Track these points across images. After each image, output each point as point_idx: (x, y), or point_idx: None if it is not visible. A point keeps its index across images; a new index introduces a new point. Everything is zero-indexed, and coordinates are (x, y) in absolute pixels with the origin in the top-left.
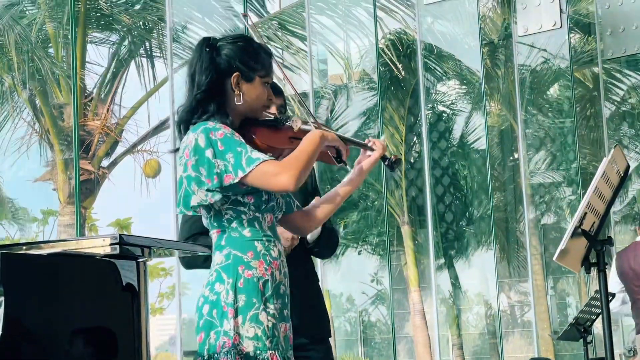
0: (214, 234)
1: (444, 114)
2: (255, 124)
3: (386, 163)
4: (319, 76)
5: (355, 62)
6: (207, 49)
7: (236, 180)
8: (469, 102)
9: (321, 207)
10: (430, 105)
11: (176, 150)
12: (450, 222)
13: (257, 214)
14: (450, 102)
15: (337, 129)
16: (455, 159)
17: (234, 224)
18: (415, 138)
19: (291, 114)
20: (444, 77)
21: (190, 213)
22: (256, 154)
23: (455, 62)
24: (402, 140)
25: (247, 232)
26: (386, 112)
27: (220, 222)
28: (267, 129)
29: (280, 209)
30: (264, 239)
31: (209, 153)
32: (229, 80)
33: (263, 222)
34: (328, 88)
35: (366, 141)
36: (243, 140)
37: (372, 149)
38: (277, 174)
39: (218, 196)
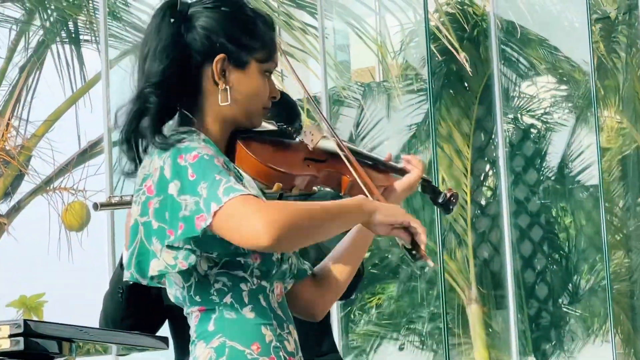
0: (193, 313)
1: (532, 130)
2: (252, 137)
3: (439, 200)
4: (336, 70)
5: (393, 47)
6: (172, 19)
7: (210, 221)
8: (571, 111)
9: (337, 268)
10: (511, 116)
11: (129, 174)
12: (543, 299)
13: (263, 283)
14: (542, 110)
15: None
16: (552, 200)
17: (228, 299)
18: (487, 167)
19: (299, 125)
20: (532, 73)
21: (144, 281)
22: (239, 185)
23: (549, 49)
24: (466, 170)
25: (249, 312)
26: (441, 125)
27: (207, 295)
28: (269, 146)
29: (292, 273)
30: (275, 322)
31: (172, 188)
32: (208, 68)
33: (271, 296)
34: (351, 89)
35: (400, 163)
36: (228, 166)
37: (404, 172)
38: (251, 215)
39: (192, 258)
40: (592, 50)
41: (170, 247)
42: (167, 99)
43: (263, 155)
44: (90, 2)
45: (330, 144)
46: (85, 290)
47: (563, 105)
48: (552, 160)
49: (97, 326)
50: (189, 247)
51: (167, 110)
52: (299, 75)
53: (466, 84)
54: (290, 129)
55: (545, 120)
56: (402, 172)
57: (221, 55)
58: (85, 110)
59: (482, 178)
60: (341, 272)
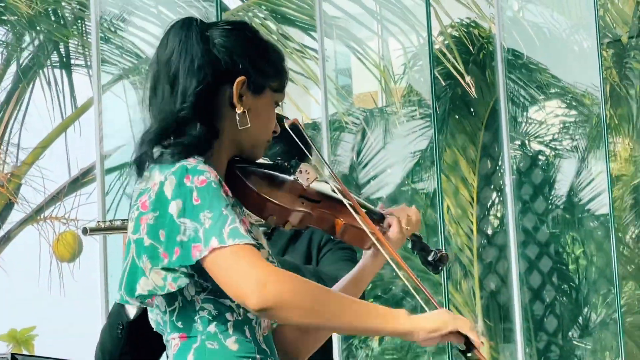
0: (173, 341)
1: (540, 157)
2: (249, 168)
3: (428, 258)
4: (337, 95)
5: (396, 71)
6: (198, 34)
7: (205, 254)
8: (582, 138)
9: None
10: (518, 143)
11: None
12: (552, 332)
13: (250, 315)
14: (551, 137)
15: (369, 180)
16: (561, 230)
17: (212, 328)
18: (494, 195)
19: (295, 162)
20: (540, 97)
21: (135, 302)
22: (244, 231)
23: (558, 73)
24: (472, 198)
25: (232, 344)
26: (446, 152)
27: (190, 321)
28: (266, 179)
29: None
30: (258, 357)
31: (173, 208)
32: (226, 90)
33: (257, 329)
34: (353, 114)
35: (380, 209)
36: (232, 200)
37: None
38: (249, 271)
39: (183, 281)
40: (602, 75)
41: (164, 269)
42: (205, 119)
43: (260, 187)
44: (82, 25)
45: (324, 187)
46: (77, 322)
47: (572, 131)
48: (561, 188)
49: (91, 359)
50: (185, 271)
51: (187, 129)
52: (299, 101)
53: (472, 109)
54: (286, 164)
55: (553, 146)
56: (375, 219)
57: (242, 78)
58: (76, 137)
59: (488, 207)
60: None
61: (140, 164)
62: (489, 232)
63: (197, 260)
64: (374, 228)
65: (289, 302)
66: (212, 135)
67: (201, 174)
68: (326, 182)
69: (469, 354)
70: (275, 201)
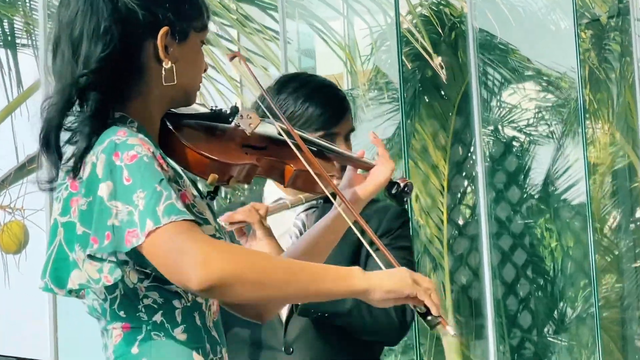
0: (114, 330)
1: (515, 143)
2: (183, 122)
3: (392, 191)
4: None
5: (362, 53)
6: None
7: (143, 240)
8: (558, 123)
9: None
10: (490, 128)
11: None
12: (527, 328)
13: (199, 300)
14: (526, 122)
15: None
16: (536, 220)
17: (158, 317)
18: (466, 184)
19: (235, 107)
20: (513, 80)
21: (61, 293)
22: (181, 205)
23: (534, 54)
24: (443, 187)
25: (180, 334)
26: (415, 138)
27: (133, 311)
28: (203, 132)
29: None
30: (208, 346)
31: (103, 190)
32: (149, 45)
33: (207, 315)
34: None
35: (359, 153)
36: (167, 174)
37: (370, 166)
38: (189, 250)
39: (118, 272)
40: (579, 57)
41: (92, 257)
42: (110, 87)
43: (196, 142)
44: (28, 1)
45: (271, 129)
46: (23, 315)
47: (548, 116)
48: (537, 176)
49: (37, 353)
50: (113, 259)
51: (111, 99)
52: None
53: (442, 92)
54: (224, 111)
55: (528, 132)
56: (363, 165)
57: (165, 29)
58: (23, 121)
59: (459, 196)
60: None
61: (48, 142)
62: (460, 222)
63: (134, 248)
64: (322, 172)
65: (234, 278)
66: (132, 97)
67: (131, 149)
68: (271, 124)
69: (428, 317)
70: (212, 156)
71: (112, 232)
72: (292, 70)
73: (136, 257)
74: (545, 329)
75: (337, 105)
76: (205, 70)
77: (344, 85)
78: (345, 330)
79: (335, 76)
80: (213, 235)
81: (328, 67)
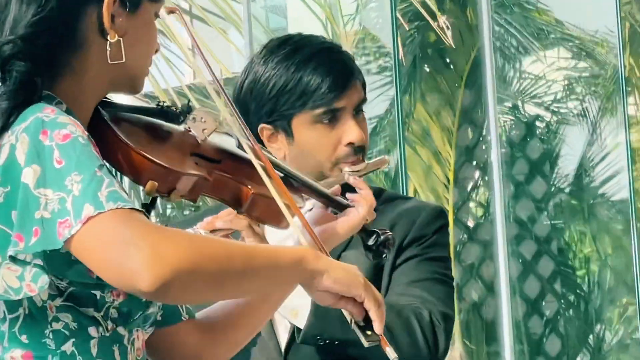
0: (12, 359)
1: (539, 124)
2: (122, 115)
3: (368, 242)
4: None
5: (346, 11)
6: None
7: (78, 229)
8: (593, 98)
9: (239, 315)
10: (508, 105)
11: None
12: (555, 356)
13: (121, 330)
14: (552, 97)
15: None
16: (566, 221)
17: (68, 347)
18: (477, 175)
19: (187, 106)
20: (537, 45)
21: None
22: (126, 195)
23: (562, 12)
24: (448, 179)
25: None
26: (413, 118)
27: (38, 336)
28: (146, 129)
29: (155, 318)
30: None
31: (29, 176)
32: (92, 13)
33: (130, 350)
34: None
35: (333, 190)
36: (103, 161)
37: (347, 206)
38: (136, 241)
39: (44, 280)
40: (619, 14)
41: (14, 259)
42: (41, 57)
43: (136, 140)
44: None
45: (227, 141)
46: None
47: (580, 89)
48: (567, 165)
49: None
50: (39, 262)
51: (40, 72)
52: (215, 50)
53: (448, 60)
54: (174, 109)
55: (556, 110)
56: (336, 205)
57: None
58: None
59: (469, 190)
60: (243, 323)
61: None
62: (470, 224)
63: (65, 241)
64: (291, 200)
65: (191, 273)
66: (66, 74)
67: (63, 127)
68: (230, 135)
69: (368, 332)
70: (156, 160)
71: (41, 227)
72: (258, 33)
73: (53, 263)
74: (579, 358)
75: (340, 71)
76: (156, 52)
77: None
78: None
79: None
80: None
81: (302, 27)
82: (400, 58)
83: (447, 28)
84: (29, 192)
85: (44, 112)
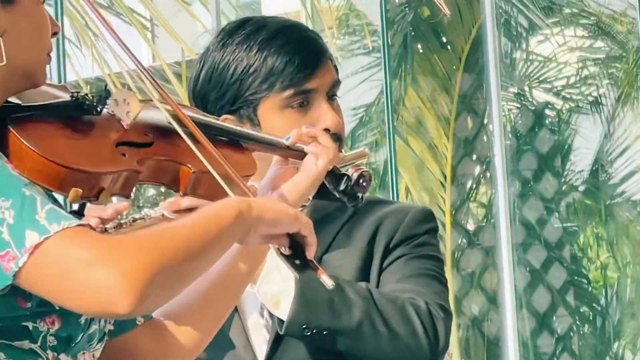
0: None
1: (549, 112)
2: (28, 116)
3: (340, 187)
4: (237, 18)
5: None
6: None
7: (25, 260)
8: (611, 83)
9: (191, 313)
10: (514, 90)
11: None
12: None
13: (63, 358)
14: (565, 81)
15: None
16: (580, 223)
17: None
18: (478, 170)
19: (105, 91)
20: (547, 22)
21: None
22: (64, 211)
23: None
24: (445, 175)
25: None
26: (405, 105)
27: None
28: (58, 128)
29: (103, 332)
30: None
31: None
32: None
33: None
34: None
35: (291, 140)
36: (23, 176)
37: (302, 155)
38: (96, 263)
39: None
40: None
41: None
42: None
43: (47, 143)
44: None
45: (157, 115)
46: None
47: (597, 73)
48: (581, 159)
49: None
50: None
51: None
52: (179, 28)
53: (445, 39)
54: (90, 97)
55: (568, 96)
56: (294, 154)
57: None
58: None
59: (469, 188)
60: (197, 320)
61: None
62: (470, 227)
63: (14, 275)
64: (229, 171)
65: (163, 276)
66: None
67: None
68: (156, 108)
69: (297, 262)
70: (70, 165)
71: None
72: (226, 7)
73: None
74: None
75: (308, 49)
76: (55, 34)
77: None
78: (351, 356)
79: (288, 16)
80: None
81: (277, 2)
82: (389, 36)
83: (445, 2)
84: None
85: None
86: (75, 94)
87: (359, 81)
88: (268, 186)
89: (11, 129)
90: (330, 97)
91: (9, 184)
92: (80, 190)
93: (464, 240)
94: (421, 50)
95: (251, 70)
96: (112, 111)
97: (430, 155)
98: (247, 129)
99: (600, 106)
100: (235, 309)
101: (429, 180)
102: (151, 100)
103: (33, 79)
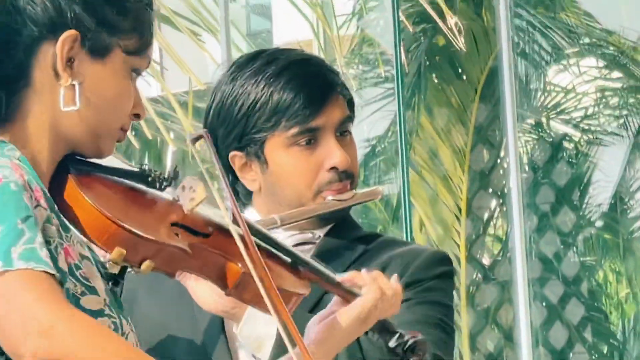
0: None
1: (567, 144)
2: (94, 172)
3: (390, 342)
4: (247, 47)
5: (340, 11)
6: None
7: None
8: (632, 114)
9: None
10: (531, 122)
11: None
12: None
13: None
14: (583, 112)
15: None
16: (598, 258)
17: None
18: (494, 204)
19: (174, 172)
20: (566, 51)
21: None
22: (45, 256)
23: (593, 14)
24: (460, 209)
25: None
26: (419, 137)
27: None
28: (120, 191)
29: None
30: None
31: None
32: (47, 49)
33: None
34: None
35: (346, 277)
36: (44, 214)
37: (352, 294)
38: (35, 308)
39: None
40: None
41: None
42: None
43: (107, 201)
44: None
45: (217, 214)
46: None
47: (617, 104)
48: (600, 193)
49: None
50: None
51: None
52: (188, 58)
53: (460, 69)
54: (158, 174)
55: (587, 127)
56: (344, 294)
57: (71, 32)
58: None
59: (485, 222)
60: None
61: None
62: (486, 261)
63: None
64: (271, 287)
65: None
66: (13, 115)
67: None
68: (217, 207)
69: None
70: (128, 226)
71: None
72: (237, 38)
73: None
74: None
75: (315, 85)
76: (137, 117)
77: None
78: None
79: (300, 44)
80: (100, 311)
81: (289, 30)
82: (403, 66)
83: (459, 31)
84: None
85: None
86: (144, 167)
87: (372, 111)
88: (320, 318)
89: (72, 176)
90: (342, 132)
91: (9, 211)
92: (124, 252)
93: (479, 275)
94: (436, 80)
95: (257, 106)
96: (177, 197)
97: (445, 187)
98: (307, 258)
99: (619, 137)
100: (227, 349)
101: (443, 213)
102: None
103: (99, 144)
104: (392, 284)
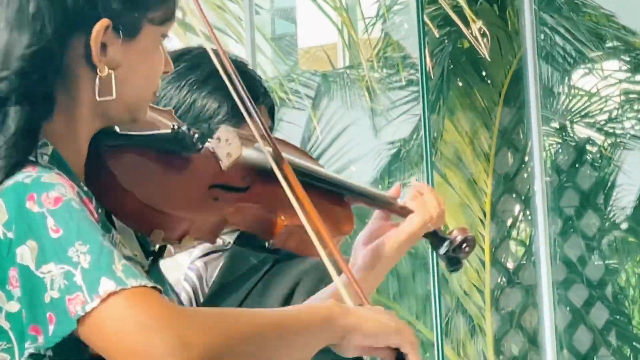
0: None
1: (591, 148)
2: (124, 148)
3: (440, 250)
4: (272, 51)
5: (365, 14)
6: None
7: (95, 305)
8: None
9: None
10: (555, 126)
11: None
12: None
13: None
14: (607, 116)
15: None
16: (622, 261)
17: None
18: (518, 208)
19: (209, 127)
20: (591, 55)
21: None
22: (135, 267)
23: (619, 17)
24: (484, 212)
25: None
26: (444, 140)
27: None
28: (152, 166)
29: None
30: None
31: (26, 256)
32: (79, 41)
33: None
34: (297, 80)
35: (391, 192)
36: (97, 221)
37: (404, 211)
38: (155, 327)
39: None
40: None
41: (36, 356)
42: (37, 95)
43: (139, 181)
44: None
45: (256, 156)
46: None
47: None
48: (624, 196)
49: None
50: (51, 354)
51: (41, 113)
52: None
53: (484, 73)
54: (192, 133)
55: (611, 131)
56: (402, 211)
57: (104, 22)
58: None
59: (509, 226)
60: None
61: None
62: (510, 265)
63: (79, 320)
64: (327, 236)
65: (222, 356)
66: (60, 113)
67: (51, 189)
68: (257, 150)
69: None
70: (159, 207)
71: (54, 312)
72: (262, 41)
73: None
74: None
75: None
76: (166, 72)
77: (339, 62)
78: None
79: (324, 49)
80: None
81: (314, 35)
82: (428, 70)
83: (484, 35)
84: (32, 275)
85: (25, 171)
86: (177, 128)
87: (396, 114)
88: (365, 239)
89: (106, 160)
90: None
91: (88, 230)
92: (162, 233)
93: (504, 279)
94: (460, 84)
95: (178, 113)
96: (213, 148)
97: (470, 191)
98: (351, 182)
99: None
100: None
101: (468, 217)
102: (252, 140)
103: (134, 115)
104: (440, 206)
